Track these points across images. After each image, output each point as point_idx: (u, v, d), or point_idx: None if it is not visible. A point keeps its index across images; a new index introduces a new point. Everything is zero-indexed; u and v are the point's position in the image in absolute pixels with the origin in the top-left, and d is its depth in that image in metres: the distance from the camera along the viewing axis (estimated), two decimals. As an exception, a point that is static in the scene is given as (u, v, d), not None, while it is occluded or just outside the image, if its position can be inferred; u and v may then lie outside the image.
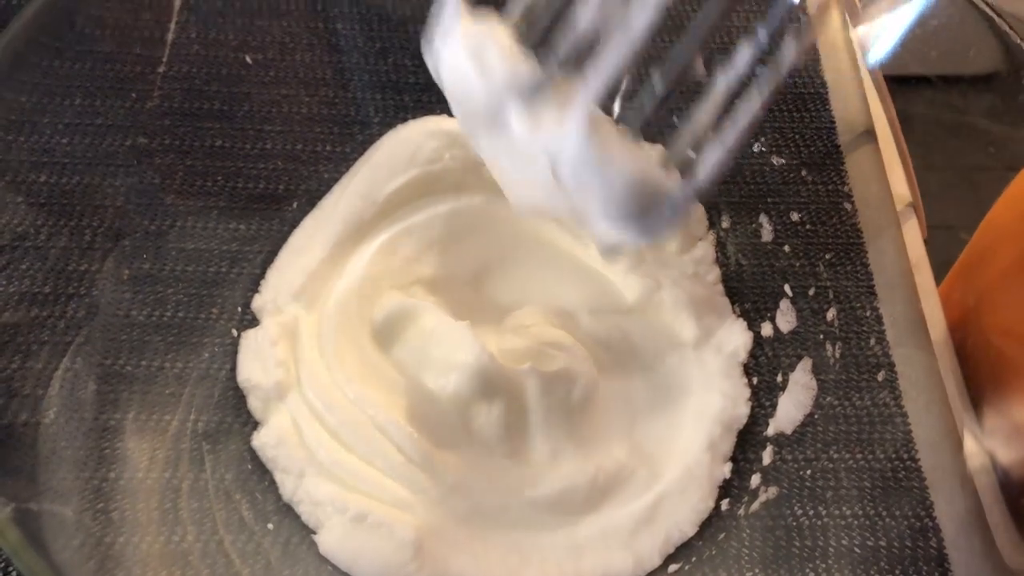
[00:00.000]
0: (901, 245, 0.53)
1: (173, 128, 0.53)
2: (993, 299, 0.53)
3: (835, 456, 0.46)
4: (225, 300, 0.50)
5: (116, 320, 0.47)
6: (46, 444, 0.41)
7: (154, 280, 0.49)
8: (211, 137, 0.53)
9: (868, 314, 0.50)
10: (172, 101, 0.54)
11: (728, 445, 0.49)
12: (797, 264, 0.52)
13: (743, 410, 0.50)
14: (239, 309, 0.50)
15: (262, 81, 0.56)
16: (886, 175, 0.55)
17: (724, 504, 0.47)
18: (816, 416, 0.48)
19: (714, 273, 0.54)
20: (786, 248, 0.52)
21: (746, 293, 0.53)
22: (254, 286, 0.51)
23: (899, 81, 0.59)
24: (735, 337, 0.52)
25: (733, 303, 0.53)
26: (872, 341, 0.49)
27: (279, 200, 0.53)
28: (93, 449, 0.43)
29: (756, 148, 0.55)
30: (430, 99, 0.56)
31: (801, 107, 0.58)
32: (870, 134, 0.58)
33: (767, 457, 0.48)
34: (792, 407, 0.49)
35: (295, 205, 0.53)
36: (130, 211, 0.49)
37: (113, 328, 0.47)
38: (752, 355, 0.51)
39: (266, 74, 0.56)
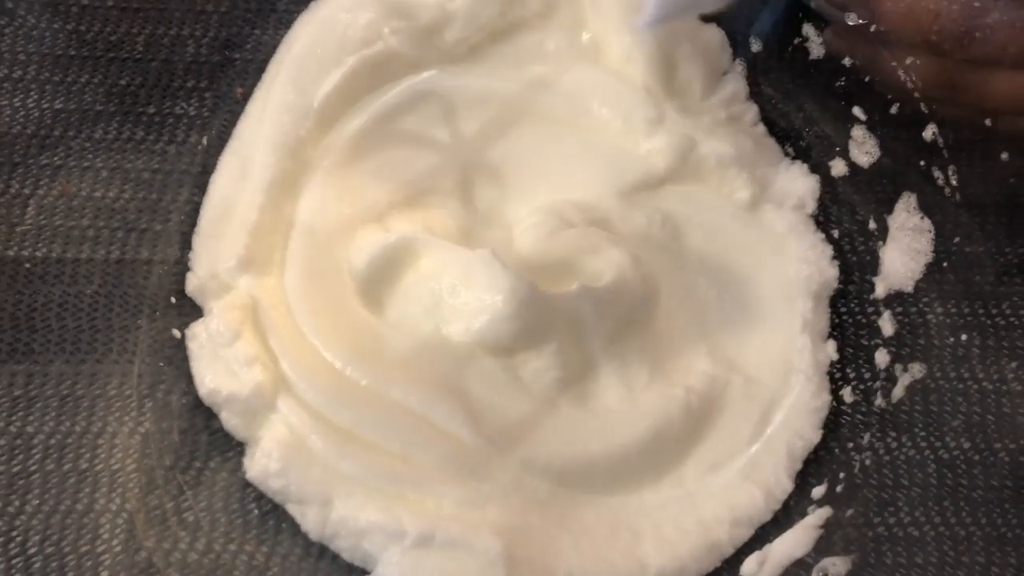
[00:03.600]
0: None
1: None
2: None
3: (1008, 310, 0.37)
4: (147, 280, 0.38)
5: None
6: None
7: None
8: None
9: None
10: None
11: (824, 320, 0.40)
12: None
13: (831, 272, 0.41)
14: (172, 299, 0.38)
15: None
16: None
17: (847, 395, 0.38)
18: (945, 264, 0.38)
19: (752, 111, 0.44)
20: (847, 60, 0.41)
21: (798, 128, 0.43)
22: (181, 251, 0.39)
23: None
24: (796, 184, 0.42)
25: (783, 144, 0.43)
26: (1005, 155, 0.39)
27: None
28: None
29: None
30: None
31: None
32: None
33: (887, 326, 0.39)
34: (904, 256, 0.40)
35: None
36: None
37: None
38: (823, 203, 0.42)
39: None
